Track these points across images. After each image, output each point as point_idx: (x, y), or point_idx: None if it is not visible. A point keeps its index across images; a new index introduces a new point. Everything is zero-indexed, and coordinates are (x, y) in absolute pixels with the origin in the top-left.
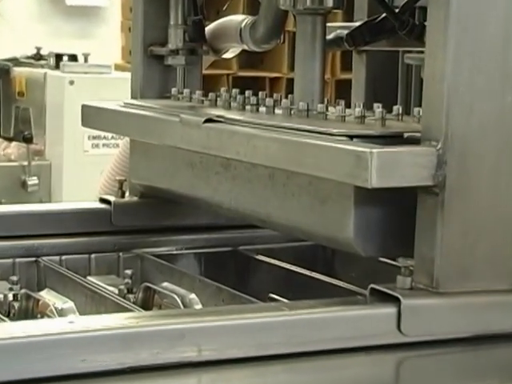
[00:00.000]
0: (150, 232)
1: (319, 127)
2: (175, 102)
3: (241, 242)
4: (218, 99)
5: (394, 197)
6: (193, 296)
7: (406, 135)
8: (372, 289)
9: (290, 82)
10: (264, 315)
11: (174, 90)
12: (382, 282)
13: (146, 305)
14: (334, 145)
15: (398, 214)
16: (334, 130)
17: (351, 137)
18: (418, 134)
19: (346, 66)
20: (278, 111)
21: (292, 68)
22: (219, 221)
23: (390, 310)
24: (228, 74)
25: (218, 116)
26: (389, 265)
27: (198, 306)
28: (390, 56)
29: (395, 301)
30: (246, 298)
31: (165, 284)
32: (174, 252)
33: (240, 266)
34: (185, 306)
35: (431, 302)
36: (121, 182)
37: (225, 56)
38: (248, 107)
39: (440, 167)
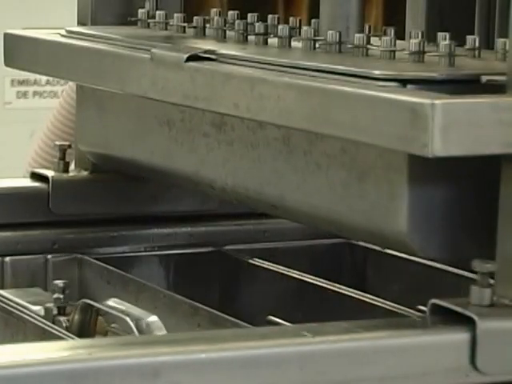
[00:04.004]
0: (106, 223)
1: (355, 67)
2: (143, 30)
3: (228, 238)
4: (208, 26)
5: (467, 171)
6: (153, 319)
7: (484, 79)
8: (434, 305)
9: (314, 0)
10: (275, 343)
11: (141, 13)
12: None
13: (84, 331)
14: (378, 94)
15: (471, 196)
16: (378, 72)
17: (403, 82)
18: (504, 78)
19: None
20: (295, 44)
21: None
22: (207, 206)
23: (460, 337)
24: None
25: (206, 51)
26: (451, 274)
27: (162, 333)
28: None
29: (468, 323)
30: (232, 322)
31: (112, 301)
32: (130, 254)
33: (226, 274)
34: (141, 333)
35: None
36: (63, 149)
37: None
38: (252, 38)
39: None
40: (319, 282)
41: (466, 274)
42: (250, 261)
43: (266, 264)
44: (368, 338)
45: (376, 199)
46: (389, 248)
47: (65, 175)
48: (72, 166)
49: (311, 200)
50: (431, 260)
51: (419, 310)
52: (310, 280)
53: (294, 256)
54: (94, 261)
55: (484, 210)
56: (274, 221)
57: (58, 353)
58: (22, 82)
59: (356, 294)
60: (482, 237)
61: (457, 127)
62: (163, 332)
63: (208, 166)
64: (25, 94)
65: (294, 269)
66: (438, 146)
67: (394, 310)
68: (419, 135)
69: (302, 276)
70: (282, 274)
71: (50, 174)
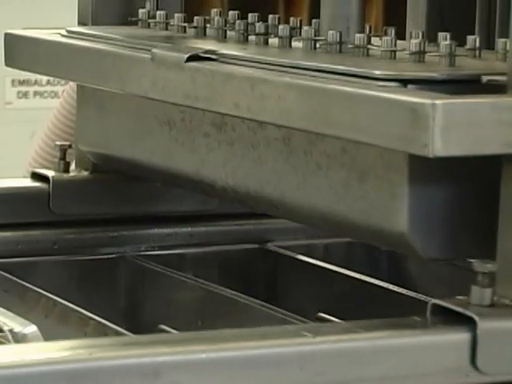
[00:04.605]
0: (106, 223)
1: (356, 67)
2: (144, 30)
3: (228, 238)
4: (208, 26)
5: (467, 171)
6: (30, 329)
7: (485, 79)
8: (434, 305)
9: (315, 0)
10: (275, 343)
11: (141, 13)
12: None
13: None
14: (378, 94)
15: (471, 196)
16: (378, 72)
17: (404, 82)
18: (504, 78)
19: None
20: (296, 44)
21: None
22: (208, 207)
23: (460, 337)
24: None
25: (207, 51)
26: (361, 281)
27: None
28: None
29: (468, 323)
30: (118, 332)
31: None
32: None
33: (131, 281)
34: (17, 343)
35: None
36: (63, 149)
37: None
38: (252, 38)
39: None
40: (222, 290)
41: (376, 282)
42: (154, 268)
43: (168, 271)
44: (368, 338)
45: (376, 199)
46: (389, 248)
47: (65, 175)
48: (72, 166)
49: (311, 200)
50: (431, 260)
51: (319, 318)
52: (212, 289)
53: (203, 262)
54: None
55: (484, 209)
56: (274, 221)
57: (58, 353)
58: (22, 82)
59: (252, 301)
60: (481, 237)
61: (457, 127)
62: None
63: (208, 166)
64: (25, 94)
65: (202, 275)
66: (439, 146)
67: (290, 319)
68: (420, 135)
69: (205, 284)
70: (185, 281)
71: (50, 174)
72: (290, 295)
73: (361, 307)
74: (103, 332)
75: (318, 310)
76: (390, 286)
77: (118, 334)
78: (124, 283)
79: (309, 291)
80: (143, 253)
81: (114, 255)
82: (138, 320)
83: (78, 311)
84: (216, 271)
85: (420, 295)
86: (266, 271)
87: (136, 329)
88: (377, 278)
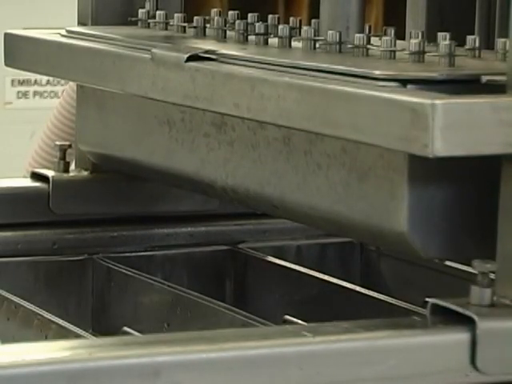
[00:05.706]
0: (106, 223)
1: (356, 67)
2: (144, 30)
3: (228, 238)
4: (208, 26)
5: (467, 171)
6: None
7: (484, 79)
8: (434, 305)
9: (315, 0)
10: (275, 343)
11: (141, 13)
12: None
13: None
14: (378, 94)
15: (472, 196)
16: (378, 72)
17: (404, 82)
18: (504, 78)
19: None
20: (296, 44)
21: None
22: (208, 206)
23: (460, 337)
24: None
25: (207, 51)
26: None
27: None
28: None
29: (468, 323)
30: (77, 334)
31: None
32: None
33: (100, 283)
34: None
35: None
36: (63, 149)
37: None
38: (252, 38)
39: None
40: (188, 294)
41: (347, 285)
42: (122, 270)
43: (136, 273)
44: (368, 338)
45: (376, 199)
46: (389, 248)
47: (65, 175)
48: (72, 166)
49: (311, 200)
50: (431, 260)
51: (286, 321)
52: (179, 292)
53: (173, 264)
54: None
55: (484, 210)
56: (274, 221)
57: (58, 353)
58: (22, 82)
59: (218, 305)
60: (481, 237)
61: (457, 127)
62: None
63: (208, 166)
64: (25, 94)
65: (172, 277)
66: (439, 146)
67: (254, 323)
68: (420, 135)
69: (171, 287)
70: (152, 284)
71: (50, 173)
72: (259, 297)
73: (332, 310)
74: (64, 335)
75: (287, 313)
76: (362, 290)
77: (78, 337)
78: (92, 285)
79: (279, 293)
80: (112, 254)
81: (82, 257)
82: (105, 322)
83: (40, 314)
84: (186, 273)
85: (393, 299)
86: (236, 273)
87: (103, 331)
88: (349, 281)
